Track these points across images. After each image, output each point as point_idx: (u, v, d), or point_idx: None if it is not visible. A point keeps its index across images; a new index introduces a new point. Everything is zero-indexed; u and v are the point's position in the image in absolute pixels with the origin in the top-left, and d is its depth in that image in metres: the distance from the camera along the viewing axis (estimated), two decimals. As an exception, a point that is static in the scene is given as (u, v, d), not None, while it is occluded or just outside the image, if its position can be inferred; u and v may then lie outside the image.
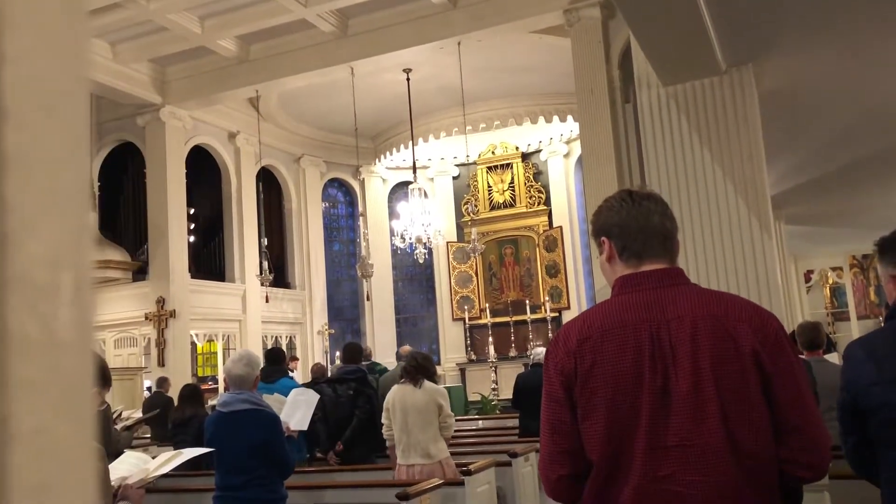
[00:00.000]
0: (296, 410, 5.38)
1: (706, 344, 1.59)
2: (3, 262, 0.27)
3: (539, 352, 7.76)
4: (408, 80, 12.31)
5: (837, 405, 2.58)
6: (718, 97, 4.06)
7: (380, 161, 15.80)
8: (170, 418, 6.95)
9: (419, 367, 4.90)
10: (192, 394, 6.73)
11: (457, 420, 6.03)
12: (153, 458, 3.76)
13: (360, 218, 14.74)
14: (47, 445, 0.29)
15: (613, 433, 1.61)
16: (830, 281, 16.01)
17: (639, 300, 1.67)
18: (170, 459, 3.53)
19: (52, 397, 0.29)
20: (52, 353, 0.29)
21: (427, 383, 4.89)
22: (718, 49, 3.84)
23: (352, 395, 5.85)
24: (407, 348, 8.67)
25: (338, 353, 10.39)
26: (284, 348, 14.47)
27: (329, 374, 8.11)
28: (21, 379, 0.28)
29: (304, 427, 5.34)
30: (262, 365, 4.51)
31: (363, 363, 10.38)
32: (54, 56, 0.30)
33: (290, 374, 11.37)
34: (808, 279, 15.76)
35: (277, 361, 6.88)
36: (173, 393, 9.84)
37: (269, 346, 13.86)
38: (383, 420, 5.06)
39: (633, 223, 1.71)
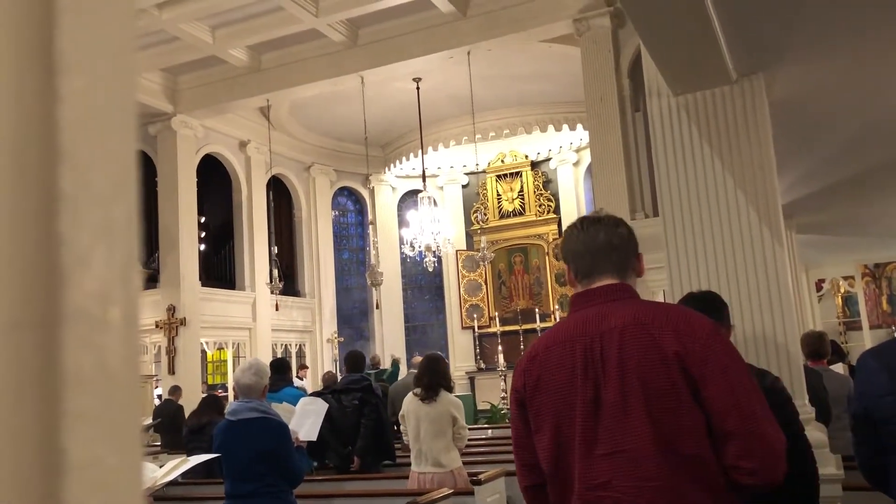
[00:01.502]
0: (305, 420, 5.38)
1: (632, 352, 1.62)
2: (59, 297, 0.28)
3: (549, 361, 7.75)
4: (417, 89, 12.34)
5: (850, 415, 2.57)
6: (729, 106, 4.05)
7: (389, 169, 15.84)
8: (185, 425, 6.99)
9: (433, 383, 4.87)
10: (212, 402, 6.78)
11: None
12: (161, 466, 3.77)
13: (370, 226, 14.76)
14: (100, 477, 0.29)
15: (556, 445, 1.69)
16: (842, 290, 15.91)
17: (581, 317, 1.74)
18: (176, 466, 3.55)
19: (104, 429, 0.30)
20: (105, 385, 0.30)
21: (443, 394, 4.88)
22: (729, 58, 3.84)
23: (357, 405, 5.82)
24: (418, 359, 8.66)
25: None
26: (294, 356, 14.51)
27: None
28: (76, 412, 0.29)
29: (314, 437, 5.33)
30: (269, 374, 4.52)
31: (370, 371, 10.40)
32: (106, 95, 0.31)
33: (300, 381, 11.42)
34: (819, 288, 15.67)
35: (281, 371, 6.96)
36: (187, 401, 9.89)
37: (279, 354, 13.90)
38: (402, 428, 5.07)
39: (581, 248, 1.79)
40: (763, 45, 3.90)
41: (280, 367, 6.98)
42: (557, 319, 14.74)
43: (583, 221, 1.84)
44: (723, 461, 1.57)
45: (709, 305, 2.68)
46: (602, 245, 1.77)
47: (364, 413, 5.80)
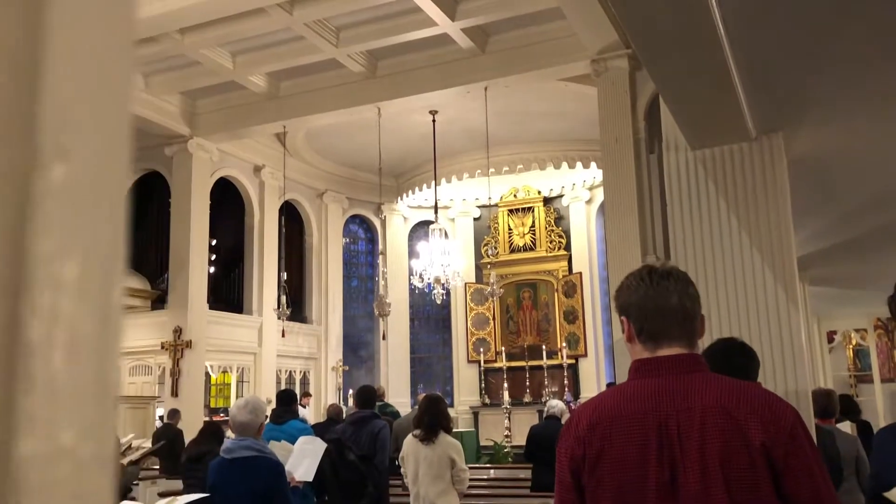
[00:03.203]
0: (302, 460, 5.30)
1: (715, 436, 1.56)
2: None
3: (553, 404, 7.64)
4: (433, 121, 12.40)
5: (866, 492, 2.50)
6: (747, 163, 4.02)
7: (402, 199, 15.87)
8: (184, 452, 6.90)
9: (433, 424, 4.81)
10: (213, 431, 6.67)
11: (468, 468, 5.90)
12: (159, 494, 3.72)
13: (380, 257, 14.74)
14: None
15: None
16: (854, 342, 15.71)
17: (650, 387, 1.65)
18: (167, 504, 3.49)
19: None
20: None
21: (442, 436, 4.82)
22: (749, 116, 3.81)
23: (358, 471, 5.66)
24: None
25: (350, 392, 10.29)
26: (298, 383, 14.43)
27: (343, 416, 8.00)
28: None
29: (310, 478, 5.24)
30: (267, 412, 4.44)
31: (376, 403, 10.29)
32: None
33: (303, 409, 11.33)
34: (830, 339, 15.46)
35: (288, 403, 6.86)
36: (189, 424, 9.81)
37: (283, 380, 13.81)
38: (402, 470, 5.00)
39: (650, 304, 1.68)
40: (784, 104, 3.88)
41: (287, 399, 6.86)
42: (564, 357, 14.61)
43: (651, 274, 1.71)
44: None
45: (748, 356, 2.63)
46: (675, 309, 1.67)
47: (366, 480, 5.64)
